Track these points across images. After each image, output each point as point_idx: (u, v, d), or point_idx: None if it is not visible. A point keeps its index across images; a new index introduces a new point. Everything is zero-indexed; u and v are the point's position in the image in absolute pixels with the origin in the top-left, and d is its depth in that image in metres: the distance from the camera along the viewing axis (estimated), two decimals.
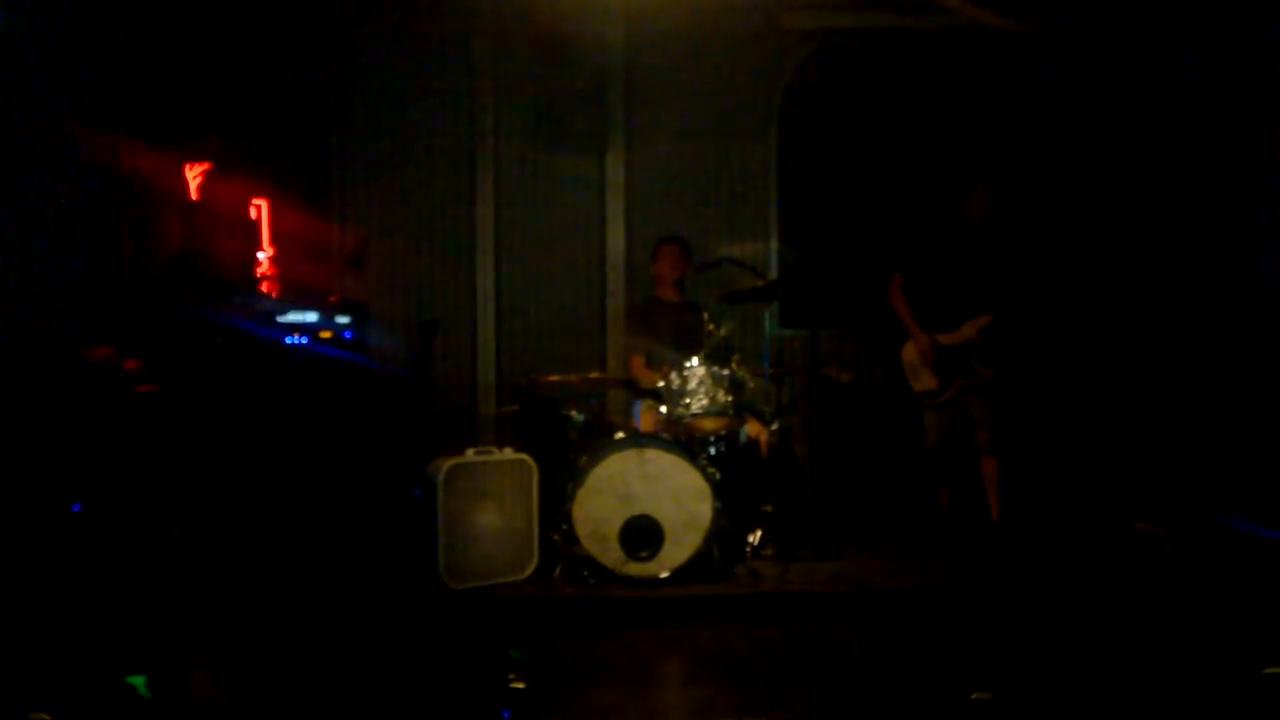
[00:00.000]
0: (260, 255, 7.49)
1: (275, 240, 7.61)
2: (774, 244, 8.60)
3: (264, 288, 7.29)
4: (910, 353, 6.91)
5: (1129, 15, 8.26)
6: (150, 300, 7.08)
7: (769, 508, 6.61)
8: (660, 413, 6.43)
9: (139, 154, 7.61)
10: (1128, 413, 7.89)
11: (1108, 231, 8.33)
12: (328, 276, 7.85)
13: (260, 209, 7.62)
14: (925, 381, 6.84)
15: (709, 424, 6.36)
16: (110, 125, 7.70)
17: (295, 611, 5.53)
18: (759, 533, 6.50)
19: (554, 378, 6.71)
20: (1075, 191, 8.44)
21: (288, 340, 6.76)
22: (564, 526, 6.08)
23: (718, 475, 6.15)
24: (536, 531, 6.15)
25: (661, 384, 6.36)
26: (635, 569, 5.98)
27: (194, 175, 7.65)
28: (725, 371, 6.32)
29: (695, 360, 6.32)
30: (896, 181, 8.62)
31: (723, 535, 6.13)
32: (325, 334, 6.84)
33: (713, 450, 6.45)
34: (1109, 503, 7.25)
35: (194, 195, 7.59)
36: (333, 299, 7.21)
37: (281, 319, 6.82)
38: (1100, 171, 8.44)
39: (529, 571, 6.10)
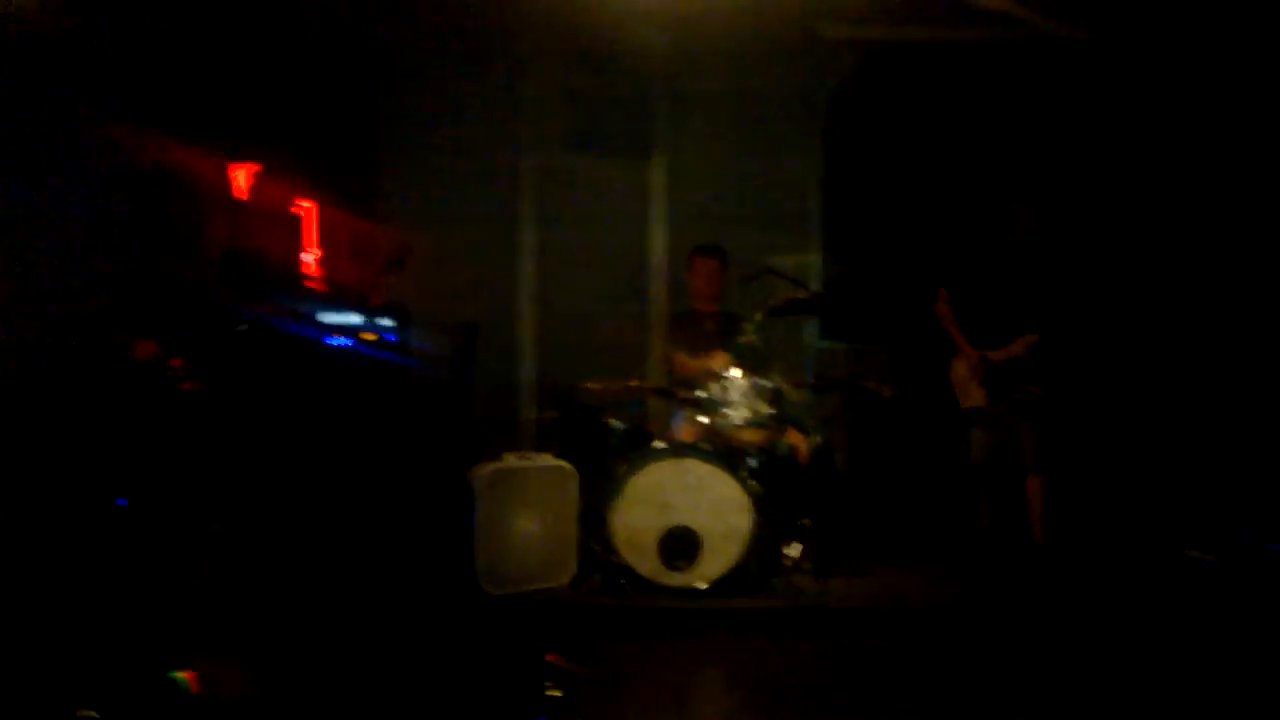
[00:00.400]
0: (306, 256, 7.52)
1: (320, 241, 7.63)
2: (817, 255, 8.56)
3: (309, 288, 7.31)
4: (959, 368, 6.89)
5: (1184, 23, 8.15)
6: (195, 299, 7.11)
7: (808, 521, 6.57)
8: (700, 423, 6.43)
9: (185, 153, 7.64)
10: (1176, 434, 7.80)
11: (1157, 248, 8.23)
12: (371, 278, 7.87)
13: (306, 210, 7.65)
14: (974, 398, 6.81)
15: (749, 435, 6.36)
16: (157, 124, 7.72)
17: (334, 612, 5.55)
18: (797, 546, 6.48)
19: (594, 385, 6.73)
20: (1123, 206, 8.35)
21: (330, 341, 6.78)
22: (602, 534, 6.09)
23: (757, 487, 6.14)
24: (575, 538, 6.16)
25: (703, 394, 6.36)
26: (673, 579, 5.98)
27: (241, 175, 7.68)
28: (767, 383, 6.31)
29: (737, 371, 6.31)
30: (942, 194, 8.54)
31: (761, 548, 6.12)
32: (368, 335, 6.85)
33: (752, 462, 6.43)
34: (1156, 526, 7.19)
35: (241, 195, 7.62)
36: (376, 301, 7.22)
37: (325, 319, 6.84)
38: (1151, 185, 8.34)
39: (567, 578, 6.13)
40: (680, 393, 6.85)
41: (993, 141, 8.51)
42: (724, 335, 7.05)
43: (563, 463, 6.21)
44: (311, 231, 7.67)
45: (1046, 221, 6.78)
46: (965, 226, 8.03)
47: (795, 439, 6.74)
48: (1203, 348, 7.89)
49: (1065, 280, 6.76)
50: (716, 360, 6.54)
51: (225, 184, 7.65)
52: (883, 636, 5.60)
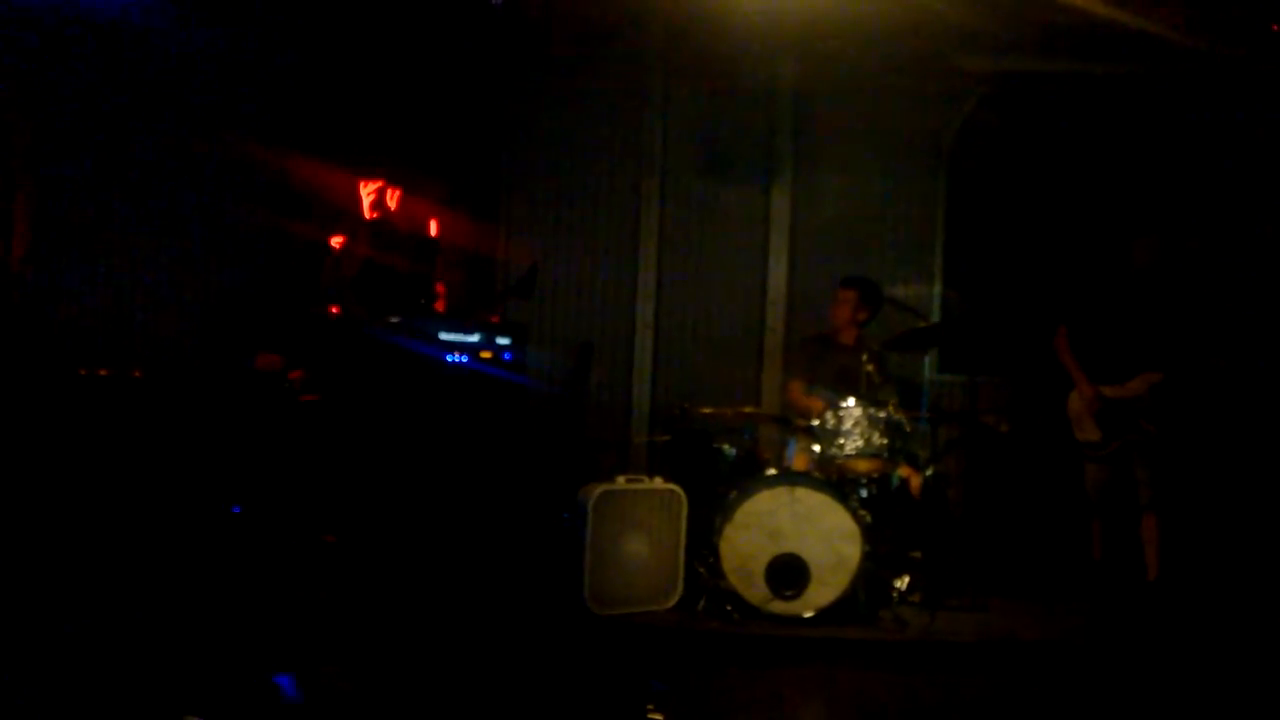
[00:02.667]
0: (431, 274, 7.63)
1: (445, 259, 7.75)
2: (937, 287, 8.46)
3: (433, 305, 7.41)
4: (1075, 402, 6.78)
5: None
6: (318, 313, 7.24)
7: (918, 554, 6.52)
8: (813, 451, 6.41)
9: (314, 171, 7.80)
10: None
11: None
12: (491, 297, 7.96)
13: (433, 229, 7.77)
14: (1089, 433, 6.70)
15: (862, 465, 6.33)
16: (286, 142, 7.89)
17: (441, 626, 5.61)
18: (906, 579, 6.42)
19: (708, 410, 6.75)
20: (1251, 241, 8.14)
21: (449, 358, 6.86)
22: (710, 559, 6.09)
23: (868, 518, 6.10)
24: (682, 562, 6.17)
25: (816, 422, 6.34)
26: (779, 607, 5.96)
27: (368, 193, 7.83)
28: (881, 414, 6.29)
29: (852, 401, 6.29)
30: (1066, 229, 8.41)
31: (870, 579, 6.07)
32: (486, 354, 6.92)
33: (864, 492, 6.39)
34: (1272, 569, 6.99)
35: (367, 213, 7.78)
36: (494, 319, 7.31)
37: (445, 337, 6.92)
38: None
39: (673, 602, 6.13)
40: (795, 420, 6.84)
41: (1115, 174, 8.35)
42: (850, 367, 7.00)
43: (673, 486, 6.22)
44: (437, 250, 7.79)
45: (1168, 256, 6.64)
46: (1086, 260, 7.91)
47: (908, 471, 6.68)
48: None
49: (1187, 316, 6.61)
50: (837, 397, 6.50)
51: (355, 202, 7.81)
52: (991, 672, 5.51)
